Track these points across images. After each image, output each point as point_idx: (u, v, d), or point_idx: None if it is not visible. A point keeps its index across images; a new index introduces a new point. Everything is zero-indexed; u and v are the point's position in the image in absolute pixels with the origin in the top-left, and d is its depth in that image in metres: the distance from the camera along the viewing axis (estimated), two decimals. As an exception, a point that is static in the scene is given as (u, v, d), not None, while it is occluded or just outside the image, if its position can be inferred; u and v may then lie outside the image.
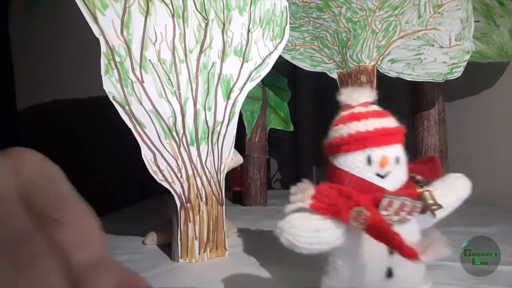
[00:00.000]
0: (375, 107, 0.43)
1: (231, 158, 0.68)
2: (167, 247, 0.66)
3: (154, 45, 0.59)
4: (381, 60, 0.91)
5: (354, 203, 0.38)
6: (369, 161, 0.40)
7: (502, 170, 1.00)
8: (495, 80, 1.04)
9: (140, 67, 0.58)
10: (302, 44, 0.95)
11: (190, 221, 0.61)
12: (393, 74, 0.91)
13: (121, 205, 1.07)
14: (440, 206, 0.40)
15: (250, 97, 0.94)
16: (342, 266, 0.41)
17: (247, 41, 0.66)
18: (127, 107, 0.57)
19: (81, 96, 1.23)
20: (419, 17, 0.89)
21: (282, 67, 1.02)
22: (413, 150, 1.07)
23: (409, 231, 0.39)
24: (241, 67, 0.66)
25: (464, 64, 0.90)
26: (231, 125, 0.66)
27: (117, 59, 0.57)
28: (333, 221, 0.39)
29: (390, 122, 0.42)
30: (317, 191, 0.39)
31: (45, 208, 0.22)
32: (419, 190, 0.40)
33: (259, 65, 0.67)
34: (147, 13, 0.59)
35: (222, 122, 0.65)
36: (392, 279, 0.40)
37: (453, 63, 0.90)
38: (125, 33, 0.57)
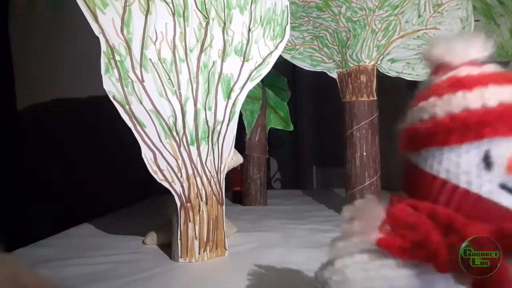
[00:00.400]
0: (495, 67, 0.26)
1: (231, 158, 0.68)
2: (167, 247, 0.66)
3: (155, 44, 0.59)
4: (381, 60, 0.91)
5: (459, 240, 0.22)
6: (487, 162, 0.23)
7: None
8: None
9: (141, 66, 0.58)
10: (302, 44, 0.95)
11: (190, 221, 0.61)
12: (393, 74, 0.91)
13: (121, 205, 1.07)
14: None
15: (250, 97, 0.94)
16: None
17: (248, 40, 0.66)
18: (127, 107, 0.57)
19: (81, 95, 1.23)
20: (419, 17, 0.89)
21: (282, 67, 1.02)
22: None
23: None
24: (242, 66, 0.66)
25: (464, 63, 0.90)
26: (231, 124, 0.66)
27: (117, 58, 0.57)
28: (419, 270, 0.23)
29: None
30: (393, 216, 0.24)
31: None
32: None
33: (259, 65, 0.67)
34: (147, 11, 0.59)
35: (223, 121, 0.65)
36: None
37: (453, 63, 0.90)
38: (125, 32, 0.57)
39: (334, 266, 0.24)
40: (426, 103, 0.25)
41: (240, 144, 0.99)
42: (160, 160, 0.59)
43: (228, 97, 0.65)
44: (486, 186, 0.23)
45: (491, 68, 0.26)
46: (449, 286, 0.23)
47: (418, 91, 0.27)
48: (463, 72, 0.25)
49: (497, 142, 0.23)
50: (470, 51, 0.26)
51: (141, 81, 0.58)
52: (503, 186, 0.23)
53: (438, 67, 0.26)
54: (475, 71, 0.25)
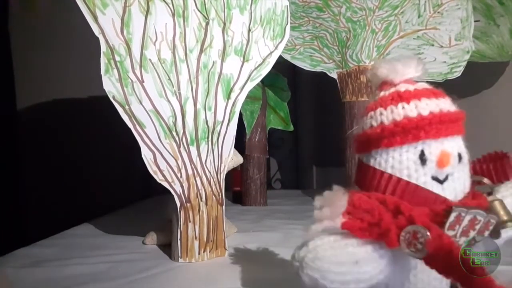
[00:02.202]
0: (425, 85, 0.32)
1: (231, 158, 0.68)
2: (167, 247, 0.66)
3: (154, 45, 0.59)
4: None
5: (406, 220, 0.27)
6: (422, 159, 0.29)
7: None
8: (495, 80, 1.04)
9: (140, 66, 0.58)
10: (302, 44, 0.95)
11: (190, 221, 0.61)
12: (393, 74, 0.91)
13: (121, 205, 1.07)
14: None
15: (250, 97, 0.94)
16: None
17: (248, 41, 0.66)
18: (127, 107, 0.57)
19: (81, 96, 1.23)
20: (419, 17, 0.89)
21: (282, 67, 1.02)
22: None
23: None
24: (242, 66, 0.66)
25: (464, 63, 0.90)
26: (231, 125, 0.66)
27: (117, 58, 0.57)
28: (376, 246, 0.28)
29: (448, 104, 0.31)
30: (353, 204, 0.28)
31: None
32: (489, 198, 0.30)
33: (259, 65, 0.67)
34: (147, 12, 0.59)
35: (222, 122, 0.65)
36: None
37: (453, 63, 0.90)
38: (125, 32, 0.57)
39: (308, 246, 0.28)
40: (374, 113, 0.31)
41: (240, 144, 1.00)
42: (160, 160, 0.60)
43: (228, 97, 0.65)
44: (422, 178, 0.30)
45: (423, 85, 0.32)
46: (396, 257, 0.29)
47: (371, 102, 0.33)
48: (402, 88, 0.31)
49: (428, 143, 0.30)
50: (407, 71, 0.32)
51: (141, 82, 0.58)
52: (434, 178, 0.30)
53: (383, 84, 0.33)
54: (411, 87, 0.31)
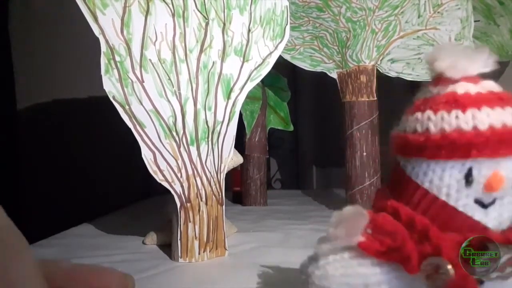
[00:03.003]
0: (492, 85, 0.28)
1: (231, 158, 0.68)
2: (167, 247, 0.66)
3: (154, 45, 0.59)
4: (381, 60, 0.91)
5: (432, 249, 0.24)
6: (468, 180, 0.25)
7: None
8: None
9: (140, 66, 0.58)
10: (302, 44, 0.95)
11: (190, 221, 0.61)
12: (393, 74, 0.91)
13: (121, 205, 1.07)
14: None
15: (250, 97, 0.94)
16: None
17: (248, 41, 0.66)
18: (127, 107, 0.57)
19: (81, 96, 1.23)
20: (419, 17, 0.89)
21: (282, 67, 1.02)
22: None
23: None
24: (242, 66, 0.66)
25: (464, 64, 0.90)
26: (231, 125, 0.66)
27: (117, 58, 0.57)
28: (392, 267, 0.26)
29: None
30: (375, 223, 0.26)
31: None
32: None
33: (259, 65, 0.67)
34: (147, 12, 0.59)
35: (222, 122, 0.65)
36: None
37: (453, 63, 0.90)
38: (125, 32, 0.57)
39: (318, 262, 0.27)
40: (422, 116, 0.26)
41: (240, 144, 1.00)
42: (160, 160, 0.60)
43: (228, 97, 0.65)
44: (463, 200, 0.25)
45: (489, 85, 0.27)
46: (413, 280, 0.26)
47: (417, 98, 0.28)
48: (461, 89, 0.26)
49: (480, 162, 0.25)
50: (472, 68, 0.27)
51: (141, 82, 0.58)
52: (478, 201, 0.25)
53: (439, 79, 0.27)
54: (473, 89, 0.26)
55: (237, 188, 1.14)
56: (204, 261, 0.62)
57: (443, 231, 0.25)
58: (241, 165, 0.89)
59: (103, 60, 0.56)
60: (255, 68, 0.67)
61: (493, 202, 0.25)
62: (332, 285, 0.26)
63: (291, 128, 1.14)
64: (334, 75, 0.94)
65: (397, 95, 1.16)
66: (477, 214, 0.25)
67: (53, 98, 1.27)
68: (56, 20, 1.26)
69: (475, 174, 0.25)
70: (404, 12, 0.88)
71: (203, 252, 0.62)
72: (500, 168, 0.25)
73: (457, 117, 0.25)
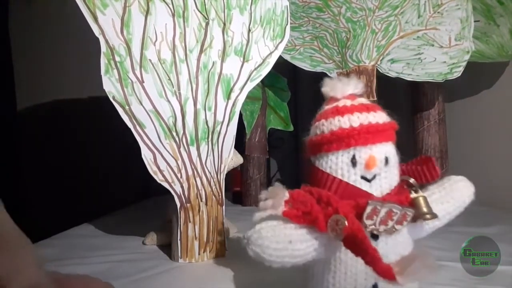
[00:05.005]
0: (363, 100, 0.38)
1: (231, 158, 0.68)
2: (167, 247, 0.66)
3: (154, 45, 0.59)
4: (380, 60, 0.91)
5: (333, 211, 0.34)
6: (353, 162, 0.36)
7: (502, 170, 1.00)
8: (495, 80, 1.04)
9: (140, 67, 0.58)
10: (302, 44, 0.95)
11: (190, 221, 0.61)
12: (393, 74, 0.91)
13: (121, 205, 1.07)
14: (434, 215, 0.36)
15: (250, 97, 0.94)
16: (322, 280, 0.37)
17: (248, 41, 0.66)
18: (127, 107, 0.57)
19: (81, 96, 1.23)
20: (418, 17, 0.89)
21: (282, 67, 1.02)
22: (413, 150, 1.07)
23: (401, 243, 0.36)
24: (242, 66, 0.66)
25: (464, 64, 0.90)
26: (231, 125, 0.66)
27: (117, 58, 0.57)
28: (310, 230, 0.35)
29: (378, 117, 0.37)
30: (292, 197, 0.35)
31: None
32: (412, 195, 0.36)
33: (259, 65, 0.67)
34: (147, 12, 0.59)
35: (222, 122, 0.65)
36: None
37: (453, 63, 0.90)
38: (125, 32, 0.57)
39: (255, 228, 0.35)
40: (319, 123, 0.38)
41: (240, 145, 1.00)
42: (160, 160, 0.60)
43: (228, 98, 0.65)
44: (352, 177, 0.36)
45: (361, 100, 0.38)
46: (328, 239, 0.35)
47: (318, 113, 0.40)
48: (341, 103, 0.38)
49: (359, 149, 0.36)
50: (347, 89, 0.39)
51: (141, 82, 0.58)
52: (363, 177, 0.36)
53: (330, 99, 0.40)
54: (349, 102, 0.38)
55: (237, 188, 1.15)
56: (204, 261, 0.62)
57: (342, 199, 0.35)
58: (241, 165, 0.89)
59: (103, 60, 0.56)
60: (255, 68, 0.67)
61: (374, 178, 0.36)
62: (265, 242, 0.35)
63: (291, 128, 1.14)
64: (334, 75, 0.93)
65: (397, 95, 1.16)
66: (364, 186, 0.36)
67: (53, 98, 1.27)
68: (56, 20, 1.26)
69: (357, 157, 0.36)
70: (404, 12, 0.88)
71: (203, 252, 0.62)
72: (373, 152, 0.36)
73: (339, 120, 0.37)
